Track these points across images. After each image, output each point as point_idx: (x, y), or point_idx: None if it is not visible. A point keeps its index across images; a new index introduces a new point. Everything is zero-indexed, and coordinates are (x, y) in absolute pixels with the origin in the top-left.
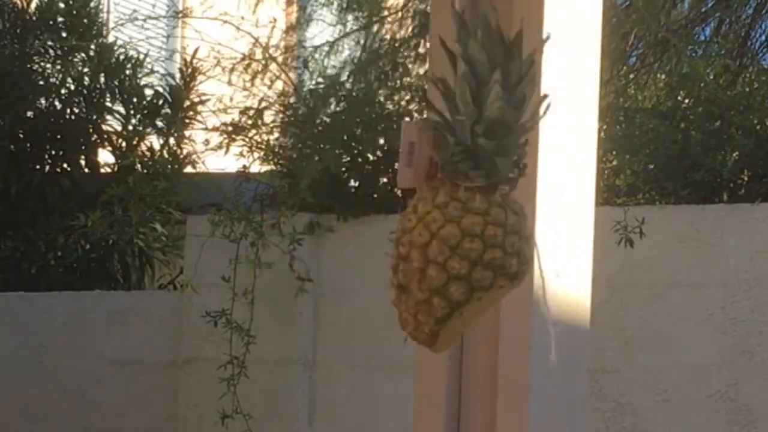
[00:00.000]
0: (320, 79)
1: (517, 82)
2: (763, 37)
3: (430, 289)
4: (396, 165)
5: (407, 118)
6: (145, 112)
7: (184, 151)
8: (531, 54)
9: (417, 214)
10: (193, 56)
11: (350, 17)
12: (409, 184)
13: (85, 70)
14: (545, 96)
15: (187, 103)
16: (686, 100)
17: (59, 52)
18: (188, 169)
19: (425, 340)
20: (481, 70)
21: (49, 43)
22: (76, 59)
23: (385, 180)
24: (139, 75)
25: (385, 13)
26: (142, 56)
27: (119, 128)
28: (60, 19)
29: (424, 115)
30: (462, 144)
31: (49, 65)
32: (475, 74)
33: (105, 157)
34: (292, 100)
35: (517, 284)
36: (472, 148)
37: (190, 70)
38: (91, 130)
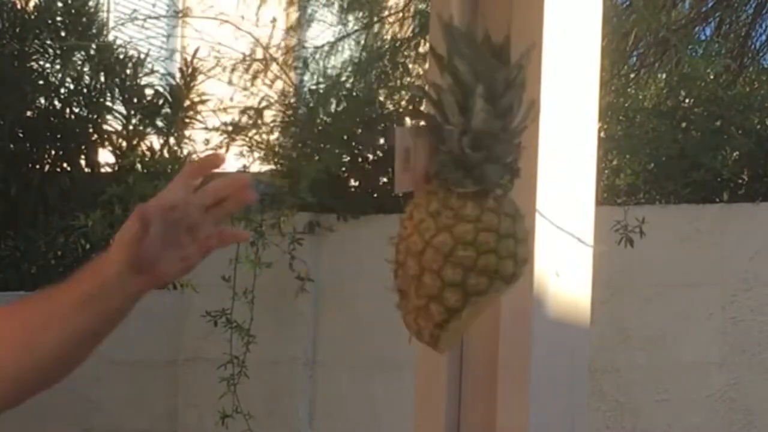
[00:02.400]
0: (321, 79)
1: (503, 90)
2: (763, 37)
3: (426, 295)
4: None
5: (402, 123)
6: (145, 111)
7: (185, 151)
8: (519, 60)
9: (412, 222)
10: (194, 56)
11: (351, 17)
12: (406, 189)
13: (85, 69)
14: (533, 102)
15: (187, 102)
16: (686, 100)
17: (59, 52)
18: None
19: (428, 342)
20: (466, 81)
21: (49, 42)
22: (75, 58)
23: (385, 180)
24: (140, 74)
25: (386, 13)
26: (142, 56)
27: (119, 128)
28: (59, 18)
29: (420, 122)
30: (451, 153)
31: (48, 64)
32: (460, 85)
33: (105, 156)
34: (292, 100)
35: (513, 284)
36: (461, 156)
37: (190, 69)
38: (91, 130)
